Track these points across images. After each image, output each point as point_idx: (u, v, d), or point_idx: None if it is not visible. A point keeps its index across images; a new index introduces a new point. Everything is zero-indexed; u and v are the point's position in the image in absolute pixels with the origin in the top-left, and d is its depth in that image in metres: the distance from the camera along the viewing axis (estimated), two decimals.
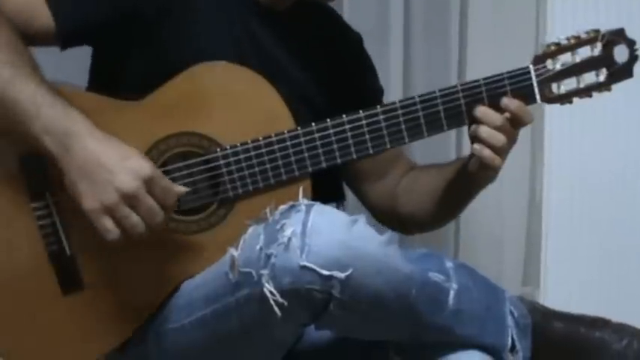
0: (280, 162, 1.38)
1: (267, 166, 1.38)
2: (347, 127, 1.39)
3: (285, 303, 1.21)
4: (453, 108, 1.39)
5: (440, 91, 1.39)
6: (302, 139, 1.38)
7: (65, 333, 1.36)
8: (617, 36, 1.39)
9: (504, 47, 1.98)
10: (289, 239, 1.21)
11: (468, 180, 1.45)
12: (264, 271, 1.22)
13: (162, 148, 1.37)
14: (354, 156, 1.39)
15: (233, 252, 1.28)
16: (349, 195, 1.66)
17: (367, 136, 1.39)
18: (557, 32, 1.72)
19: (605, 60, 1.39)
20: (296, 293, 1.21)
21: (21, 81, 1.27)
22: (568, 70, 1.40)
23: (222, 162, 1.37)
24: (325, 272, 1.20)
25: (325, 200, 1.33)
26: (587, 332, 1.39)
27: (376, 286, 1.24)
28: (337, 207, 1.48)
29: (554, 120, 2.07)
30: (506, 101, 1.38)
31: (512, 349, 1.36)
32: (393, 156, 1.59)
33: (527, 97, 1.39)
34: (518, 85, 1.39)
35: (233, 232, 1.32)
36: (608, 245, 2.08)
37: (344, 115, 1.39)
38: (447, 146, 2.02)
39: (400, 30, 2.01)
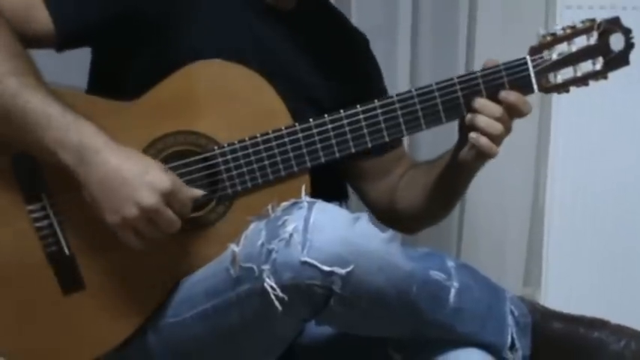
0: (278, 158, 1.37)
1: (266, 162, 1.37)
2: (345, 121, 1.39)
3: (286, 298, 1.22)
4: (451, 100, 1.39)
5: (437, 84, 1.40)
6: (300, 135, 1.38)
7: (66, 333, 1.35)
8: (613, 24, 1.39)
9: (512, 46, 1.96)
10: (291, 235, 1.22)
11: (459, 170, 1.45)
12: (266, 266, 1.22)
13: (160, 147, 1.36)
14: (353, 150, 1.39)
15: (234, 247, 1.28)
16: (353, 194, 1.65)
17: (365, 131, 1.39)
18: None
19: (601, 48, 1.39)
20: (297, 288, 1.21)
21: (28, 91, 1.27)
22: (564, 59, 1.40)
23: (220, 160, 1.37)
24: (326, 268, 1.20)
25: (328, 199, 1.32)
26: (586, 333, 1.39)
27: (377, 282, 1.24)
28: (340, 206, 1.46)
29: (559, 122, 2.07)
30: (504, 94, 1.38)
31: (512, 347, 1.37)
32: (397, 156, 1.59)
33: (525, 88, 1.39)
34: (516, 76, 1.39)
35: (232, 228, 1.32)
36: (610, 247, 2.09)
37: (342, 110, 1.39)
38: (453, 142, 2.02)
39: (408, 27, 2.01)
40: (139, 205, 1.25)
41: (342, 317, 1.27)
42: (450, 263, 1.36)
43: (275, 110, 1.39)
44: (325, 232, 1.22)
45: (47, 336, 1.35)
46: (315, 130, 1.38)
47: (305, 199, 1.28)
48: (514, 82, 1.39)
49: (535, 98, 1.42)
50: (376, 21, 1.94)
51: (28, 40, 1.34)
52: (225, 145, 1.36)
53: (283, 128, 1.37)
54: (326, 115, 1.38)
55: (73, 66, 1.49)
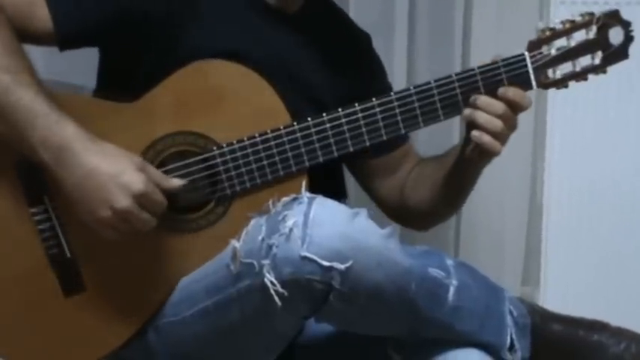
0: (277, 158, 1.38)
1: (264, 162, 1.38)
2: (343, 120, 1.39)
3: (286, 293, 1.22)
4: (449, 98, 1.39)
5: (435, 81, 1.39)
6: (298, 134, 1.38)
7: (67, 335, 1.36)
8: (612, 18, 1.38)
9: (508, 43, 1.97)
10: (291, 230, 1.22)
11: (466, 167, 1.45)
12: (266, 262, 1.23)
13: (159, 148, 1.37)
14: (351, 149, 1.39)
15: (235, 243, 1.29)
16: (351, 193, 1.65)
17: (363, 129, 1.39)
18: None
19: (600, 43, 1.38)
20: (296, 284, 1.22)
21: (19, 88, 1.28)
22: (563, 54, 1.39)
23: (219, 160, 1.37)
24: (325, 263, 1.20)
25: (327, 197, 1.32)
26: (586, 335, 1.38)
27: (376, 278, 1.24)
28: None
29: (556, 120, 2.06)
30: (503, 90, 1.37)
31: (511, 348, 1.36)
32: (404, 152, 1.59)
33: (523, 84, 1.39)
34: (514, 72, 1.38)
35: (232, 229, 1.32)
36: (608, 246, 2.07)
37: (340, 109, 1.39)
38: (451, 137, 2.01)
39: (405, 25, 2.01)
40: (112, 207, 1.27)
41: (341, 314, 1.27)
42: (449, 261, 1.35)
43: (274, 110, 1.39)
44: (325, 227, 1.22)
45: (48, 338, 1.36)
46: (313, 130, 1.38)
47: (305, 194, 1.28)
48: (512, 78, 1.38)
49: (531, 92, 1.41)
50: (373, 18, 1.94)
51: (29, 36, 1.36)
52: (224, 145, 1.37)
53: (282, 128, 1.37)
54: (324, 114, 1.38)
55: (83, 65, 1.52)
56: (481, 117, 1.37)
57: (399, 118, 1.39)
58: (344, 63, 1.54)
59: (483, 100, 1.37)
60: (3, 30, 1.31)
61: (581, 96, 1.61)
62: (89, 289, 1.36)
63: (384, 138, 1.40)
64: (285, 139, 1.38)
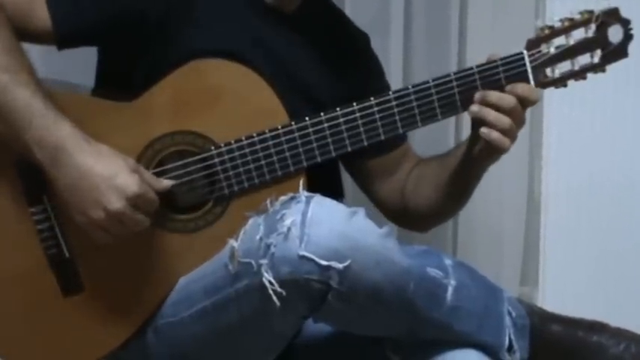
0: (275, 158, 1.37)
1: (262, 162, 1.37)
2: (341, 120, 1.38)
3: (284, 293, 1.22)
4: (447, 97, 1.38)
5: (433, 80, 1.39)
6: (296, 134, 1.38)
7: (66, 335, 1.36)
8: (611, 16, 1.38)
9: (504, 41, 1.97)
10: (289, 229, 1.22)
11: (472, 165, 1.44)
12: (264, 261, 1.23)
13: (158, 148, 1.37)
14: (349, 148, 1.39)
15: (233, 243, 1.29)
16: (348, 193, 1.65)
17: (361, 129, 1.39)
18: None
19: (599, 41, 1.38)
20: (295, 283, 1.22)
21: (17, 88, 1.28)
22: (562, 53, 1.38)
23: (217, 160, 1.37)
24: (324, 262, 1.20)
25: (325, 196, 1.31)
26: (585, 336, 1.38)
27: (374, 278, 1.24)
28: None
29: (553, 117, 2.06)
30: (510, 87, 1.37)
31: (510, 348, 1.35)
32: (402, 152, 1.59)
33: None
34: (512, 71, 1.38)
35: (230, 228, 1.32)
36: (607, 245, 2.06)
37: (338, 108, 1.38)
38: (446, 138, 2.01)
39: (401, 24, 2.01)
40: (105, 209, 1.27)
41: (339, 314, 1.27)
42: (448, 261, 1.35)
43: (273, 110, 1.39)
44: (323, 226, 1.22)
45: (47, 338, 1.36)
46: (311, 130, 1.38)
47: (303, 193, 1.28)
48: (511, 77, 1.37)
49: None
50: (369, 17, 1.94)
51: (28, 35, 1.36)
52: (222, 145, 1.37)
53: (279, 127, 1.37)
54: (322, 114, 1.38)
55: (82, 64, 1.52)
56: (490, 114, 1.36)
57: (397, 117, 1.39)
58: (342, 63, 1.54)
59: (492, 95, 1.36)
60: (2, 29, 1.31)
61: (577, 93, 1.60)
62: (88, 289, 1.36)
63: (382, 137, 1.39)
64: (282, 138, 1.37)
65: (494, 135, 1.36)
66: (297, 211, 1.24)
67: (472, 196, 1.51)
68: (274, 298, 1.22)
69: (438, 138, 1.92)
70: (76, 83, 1.56)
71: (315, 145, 1.38)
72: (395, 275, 1.25)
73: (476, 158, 1.42)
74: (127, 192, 1.27)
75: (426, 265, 1.31)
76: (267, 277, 1.22)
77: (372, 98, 1.39)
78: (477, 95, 1.37)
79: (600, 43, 1.38)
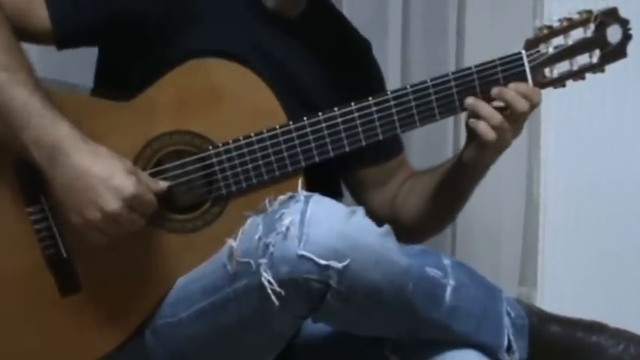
0: (273, 158, 1.37)
1: (260, 162, 1.37)
2: (339, 120, 1.38)
3: (283, 292, 1.22)
4: (446, 97, 1.39)
5: (432, 80, 1.39)
6: (294, 134, 1.38)
7: (64, 335, 1.36)
8: (610, 16, 1.38)
9: (502, 41, 1.98)
10: (288, 228, 1.22)
11: (464, 170, 1.45)
12: (263, 260, 1.23)
13: (156, 147, 1.37)
14: (347, 148, 1.39)
15: (232, 243, 1.28)
16: (346, 193, 1.64)
17: (360, 129, 1.39)
18: None
19: (598, 41, 1.38)
20: (294, 283, 1.21)
21: (15, 87, 1.28)
22: (561, 53, 1.38)
23: (215, 160, 1.37)
24: (323, 262, 1.20)
25: (323, 196, 1.31)
26: (584, 336, 1.37)
27: (373, 277, 1.23)
28: None
29: (551, 118, 2.07)
30: (514, 86, 1.37)
31: (509, 349, 1.35)
32: (397, 163, 1.59)
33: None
34: (511, 71, 1.38)
35: (228, 228, 1.32)
36: (606, 245, 2.07)
37: (336, 109, 1.38)
38: (445, 143, 2.02)
39: (398, 24, 2.02)
40: (101, 209, 1.27)
41: (338, 314, 1.27)
42: (446, 261, 1.35)
43: (270, 109, 1.39)
44: (322, 225, 1.22)
45: (45, 339, 1.36)
46: (309, 129, 1.38)
47: (302, 192, 1.28)
48: (509, 77, 1.38)
49: None
50: (366, 17, 1.94)
51: (27, 35, 1.36)
52: (220, 145, 1.37)
53: (277, 127, 1.37)
54: (320, 114, 1.38)
55: (81, 64, 1.51)
56: (484, 107, 1.36)
57: (395, 117, 1.39)
58: (341, 69, 1.54)
59: (501, 90, 1.37)
60: (1, 28, 1.31)
61: (576, 93, 1.61)
62: (86, 289, 1.36)
63: (380, 137, 1.39)
64: (280, 138, 1.37)
65: (482, 125, 1.36)
66: (295, 211, 1.24)
67: (471, 197, 1.51)
68: (273, 297, 1.22)
69: (437, 143, 1.92)
70: (75, 83, 1.56)
71: (313, 145, 1.38)
72: (394, 275, 1.25)
73: (467, 160, 1.42)
74: (123, 193, 1.27)
75: (425, 265, 1.31)
76: (266, 276, 1.22)
77: (370, 98, 1.39)
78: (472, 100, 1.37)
79: (599, 43, 1.38)
